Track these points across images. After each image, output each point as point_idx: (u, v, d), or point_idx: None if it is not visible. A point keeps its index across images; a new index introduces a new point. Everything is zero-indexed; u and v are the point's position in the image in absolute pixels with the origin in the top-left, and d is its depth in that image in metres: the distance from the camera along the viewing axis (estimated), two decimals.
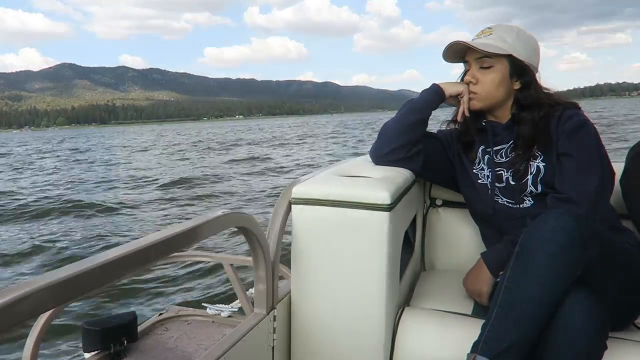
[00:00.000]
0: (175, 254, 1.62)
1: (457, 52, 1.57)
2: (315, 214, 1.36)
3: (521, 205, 1.50)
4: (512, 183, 1.51)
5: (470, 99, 1.57)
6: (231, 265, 1.50)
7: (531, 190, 1.47)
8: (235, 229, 1.13)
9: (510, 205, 1.52)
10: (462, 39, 1.52)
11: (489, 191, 1.56)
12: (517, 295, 1.13)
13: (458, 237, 1.89)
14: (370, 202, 1.29)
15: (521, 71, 1.50)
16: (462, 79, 1.61)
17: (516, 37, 1.50)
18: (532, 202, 1.48)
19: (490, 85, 1.51)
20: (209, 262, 1.63)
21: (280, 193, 1.44)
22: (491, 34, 1.51)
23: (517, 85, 1.52)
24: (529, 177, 1.47)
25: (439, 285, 1.69)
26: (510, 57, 1.49)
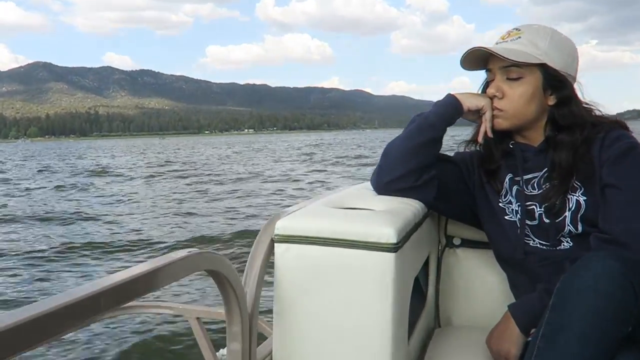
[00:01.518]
0: (130, 303, 1.62)
1: (478, 58, 1.59)
2: (304, 255, 1.36)
3: (558, 248, 1.51)
4: (547, 221, 1.51)
5: (494, 117, 1.58)
6: (198, 319, 1.50)
7: (570, 230, 1.47)
8: (204, 273, 1.12)
9: (544, 247, 1.53)
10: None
11: (518, 230, 1.57)
12: (554, 358, 1.13)
13: (480, 285, 1.88)
14: (372, 241, 1.29)
15: (557, 83, 1.52)
16: (483, 90, 1.63)
17: (550, 41, 1.52)
18: (571, 244, 1.49)
19: (519, 100, 1.53)
20: (170, 314, 1.63)
21: (260, 229, 1.47)
22: (520, 36, 1.53)
23: (551, 101, 1.53)
24: (567, 213, 1.48)
25: (457, 346, 1.68)
26: (543, 67, 1.51)
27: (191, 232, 8.99)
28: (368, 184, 1.71)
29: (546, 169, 1.55)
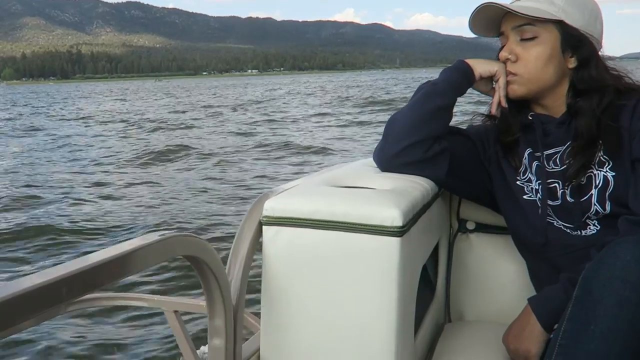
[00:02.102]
0: (96, 294, 1.61)
1: (489, 20, 1.61)
2: (296, 240, 1.34)
3: (583, 232, 1.50)
4: (571, 200, 1.51)
5: (508, 83, 1.59)
6: (175, 312, 1.49)
7: (596, 210, 1.47)
8: (182, 259, 1.11)
9: (568, 231, 1.53)
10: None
11: (539, 210, 1.57)
12: (577, 357, 1.12)
13: (497, 275, 1.87)
14: (374, 224, 1.28)
15: (577, 43, 1.53)
16: (497, 58, 1.64)
17: None
18: (598, 227, 1.48)
19: (535, 63, 1.54)
20: (143, 306, 1.62)
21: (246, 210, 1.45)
22: None
23: (572, 63, 1.55)
24: (593, 191, 1.47)
25: (470, 344, 1.67)
26: (561, 24, 1.52)
27: (181, 209, 8.76)
28: (370, 160, 1.70)
29: (569, 142, 1.55)
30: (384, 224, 1.28)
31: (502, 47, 1.60)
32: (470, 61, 1.62)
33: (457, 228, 1.96)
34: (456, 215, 1.95)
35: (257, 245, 1.40)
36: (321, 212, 1.32)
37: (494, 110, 1.64)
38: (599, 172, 1.47)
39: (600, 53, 1.56)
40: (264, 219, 1.37)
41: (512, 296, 1.76)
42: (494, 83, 1.64)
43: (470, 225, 1.93)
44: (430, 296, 1.82)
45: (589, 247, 1.43)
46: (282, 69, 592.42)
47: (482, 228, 1.92)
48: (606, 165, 1.47)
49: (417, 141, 1.56)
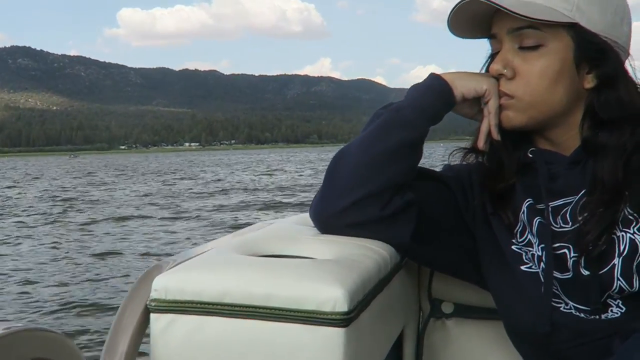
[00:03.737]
0: None
1: (476, 17, 1.54)
2: (198, 333, 1.28)
3: (603, 316, 1.45)
4: (586, 273, 1.45)
5: (501, 107, 1.55)
6: None
7: (620, 287, 1.42)
8: None
9: (582, 315, 1.47)
10: None
11: (542, 287, 1.50)
12: None
13: None
14: (309, 310, 1.23)
15: (597, 54, 1.47)
16: (487, 70, 1.58)
17: None
18: (623, 308, 1.44)
19: (539, 80, 1.49)
20: None
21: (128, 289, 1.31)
22: None
23: (590, 82, 1.49)
24: (617, 261, 1.43)
25: None
26: (574, 28, 1.46)
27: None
28: (306, 217, 1.65)
29: (584, 190, 1.48)
30: (322, 310, 1.22)
31: (494, 55, 1.55)
32: (448, 76, 1.54)
33: (428, 312, 1.91)
34: (427, 295, 1.91)
35: (141, 339, 1.33)
36: (233, 293, 1.26)
37: (481, 145, 1.57)
38: (624, 233, 1.42)
39: (628, 65, 1.51)
40: (152, 304, 1.30)
41: None
42: (483, 104, 1.58)
43: (447, 308, 1.89)
44: None
45: (611, 336, 1.42)
46: (232, 141, 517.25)
47: (462, 311, 1.89)
48: (634, 224, 1.43)
49: (372, 193, 1.49)
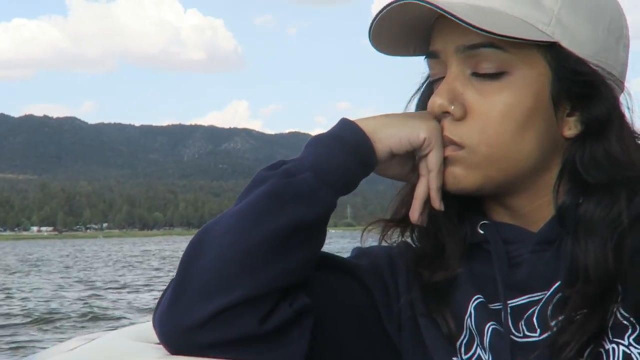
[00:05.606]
0: None
1: (411, 23, 1.21)
2: None
3: None
4: None
5: (446, 162, 1.20)
6: None
7: None
8: None
9: None
10: None
11: None
12: None
13: None
14: None
15: (585, 89, 1.16)
16: (420, 105, 1.31)
17: None
18: None
19: (500, 123, 1.16)
20: None
21: None
22: None
23: (572, 129, 1.19)
24: None
25: None
26: (554, 50, 1.16)
27: None
28: (147, 328, 1.27)
29: (559, 283, 1.21)
30: None
31: (432, 81, 1.24)
32: (368, 122, 1.21)
33: None
34: None
35: None
36: None
37: (415, 217, 1.24)
38: (615, 345, 1.18)
39: (623, 101, 1.23)
40: None
41: None
42: (419, 158, 1.24)
43: None
44: None
45: None
46: (104, 224, 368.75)
47: None
48: (628, 332, 1.17)
49: (245, 298, 1.13)
